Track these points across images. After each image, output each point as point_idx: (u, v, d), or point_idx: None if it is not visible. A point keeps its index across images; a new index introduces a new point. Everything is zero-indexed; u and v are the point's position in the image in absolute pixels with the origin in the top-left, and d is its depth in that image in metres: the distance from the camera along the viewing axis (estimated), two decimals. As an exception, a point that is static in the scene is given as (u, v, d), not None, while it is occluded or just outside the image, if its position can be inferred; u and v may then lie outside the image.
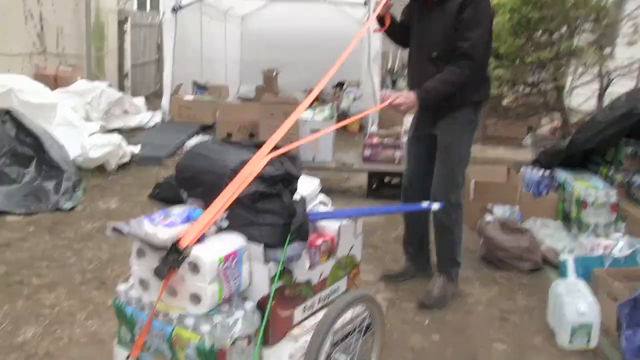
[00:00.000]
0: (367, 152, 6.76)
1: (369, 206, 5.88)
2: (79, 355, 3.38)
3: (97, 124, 8.07)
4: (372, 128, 8.48)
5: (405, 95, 3.78)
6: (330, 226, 3.08)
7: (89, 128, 7.41)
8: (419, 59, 3.99)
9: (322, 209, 3.27)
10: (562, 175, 5.72)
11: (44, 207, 5.63)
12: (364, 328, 3.03)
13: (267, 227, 2.53)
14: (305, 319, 2.91)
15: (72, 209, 5.75)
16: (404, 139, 6.72)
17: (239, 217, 2.53)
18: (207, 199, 2.53)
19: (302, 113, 6.80)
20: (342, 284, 3.16)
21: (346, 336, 2.92)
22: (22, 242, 4.92)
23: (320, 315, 2.83)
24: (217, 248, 2.41)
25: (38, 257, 4.63)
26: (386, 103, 3.74)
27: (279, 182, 2.56)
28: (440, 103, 3.84)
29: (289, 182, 2.61)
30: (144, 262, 2.47)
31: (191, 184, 2.64)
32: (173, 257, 2.30)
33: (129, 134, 8.95)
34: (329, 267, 3.00)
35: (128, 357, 2.55)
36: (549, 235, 4.99)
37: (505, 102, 7.06)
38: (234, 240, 2.50)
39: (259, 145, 2.69)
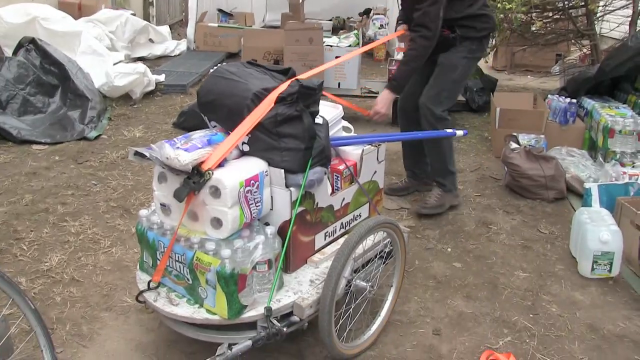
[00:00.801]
0: (393, 78, 6.66)
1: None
2: (104, 281, 3.45)
3: (122, 53, 8.04)
4: (398, 55, 8.32)
5: (379, 100, 4.08)
6: (352, 151, 3.07)
7: (114, 57, 7.38)
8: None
9: (344, 135, 3.25)
10: (589, 103, 5.60)
11: (69, 136, 5.67)
12: (385, 255, 3.06)
13: (288, 152, 2.52)
14: (327, 244, 2.94)
15: (97, 137, 5.79)
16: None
17: (261, 142, 2.52)
18: (228, 124, 2.52)
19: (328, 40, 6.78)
20: (364, 210, 3.17)
21: (367, 263, 2.94)
22: (47, 171, 4.97)
23: (342, 241, 2.86)
24: (238, 172, 2.41)
25: (63, 186, 4.69)
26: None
27: (298, 101, 2.52)
28: (437, 48, 3.99)
29: (308, 98, 2.56)
30: (165, 186, 2.49)
31: (213, 107, 2.62)
32: (194, 179, 2.31)
33: (153, 62, 8.92)
34: (351, 192, 3.00)
35: (150, 282, 2.59)
36: (574, 163, 4.92)
37: (533, 28, 6.85)
38: (256, 165, 2.50)
39: (284, 71, 2.66)
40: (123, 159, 5.23)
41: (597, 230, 3.56)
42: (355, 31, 7.76)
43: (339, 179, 2.96)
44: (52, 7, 7.32)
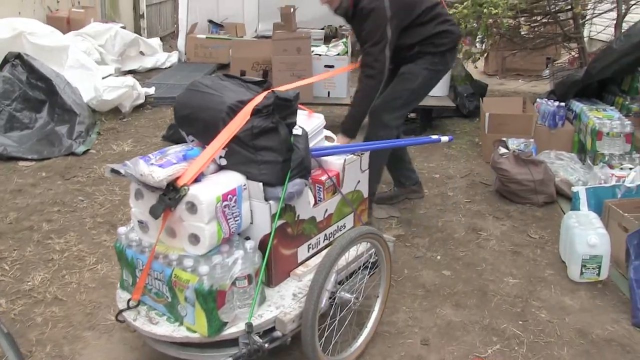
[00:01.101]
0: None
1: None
2: (88, 299, 3.41)
3: (112, 66, 8.02)
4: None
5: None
6: (335, 161, 3.04)
7: (104, 70, 7.37)
8: None
9: (327, 144, 3.23)
10: (577, 106, 5.60)
11: (56, 152, 5.64)
12: (371, 265, 3.02)
13: (266, 165, 2.49)
14: (311, 257, 2.91)
15: (85, 152, 5.76)
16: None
17: (238, 155, 2.49)
18: (205, 137, 2.50)
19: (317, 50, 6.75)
20: (349, 221, 3.14)
21: (352, 274, 2.91)
22: (33, 188, 4.94)
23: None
24: (214, 187, 2.38)
25: (49, 202, 4.65)
26: None
27: (274, 112, 2.49)
28: (399, 60, 4.05)
29: (284, 109, 2.53)
30: (142, 203, 2.46)
31: (189, 121, 2.59)
32: (170, 196, 2.28)
33: (144, 75, 8.91)
34: (334, 203, 2.97)
35: (129, 300, 2.55)
36: (563, 167, 4.91)
37: (522, 32, 6.83)
38: (233, 179, 2.47)
39: (260, 83, 2.64)
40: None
41: (584, 234, 3.54)
42: (345, 39, 7.74)
43: (321, 189, 2.93)
44: (39, 22, 7.30)
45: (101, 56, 7.94)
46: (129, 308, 2.56)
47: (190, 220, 2.33)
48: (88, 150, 5.80)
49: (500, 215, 4.53)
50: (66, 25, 8.74)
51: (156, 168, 2.25)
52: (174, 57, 9.66)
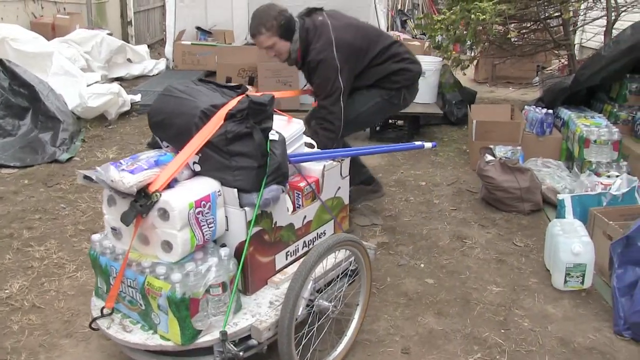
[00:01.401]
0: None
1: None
2: (66, 306, 3.36)
3: (99, 74, 7.95)
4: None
5: None
6: (314, 168, 3.01)
7: (90, 77, 7.29)
8: None
9: (307, 151, 3.19)
10: (565, 113, 5.58)
11: (40, 159, 5.59)
12: (350, 273, 2.98)
13: (240, 171, 2.45)
14: (289, 264, 2.87)
15: (69, 160, 5.71)
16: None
17: (212, 161, 2.45)
18: (178, 143, 2.46)
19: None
20: (328, 228, 3.10)
21: (331, 282, 2.87)
22: (15, 196, 4.88)
23: (304, 260, 2.79)
24: (187, 193, 2.34)
25: (31, 210, 4.60)
26: None
27: (248, 117, 2.44)
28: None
29: (259, 114, 2.48)
30: (114, 210, 2.42)
31: (163, 127, 2.56)
32: (141, 202, 2.24)
33: (131, 82, 8.86)
34: (313, 210, 2.94)
35: (103, 308, 2.51)
36: (550, 174, 4.88)
37: (512, 38, 6.81)
38: (207, 185, 2.43)
39: (235, 88, 2.60)
40: (94, 181, 5.13)
41: (569, 242, 3.51)
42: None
43: (300, 196, 2.89)
44: (22, 28, 7.22)
45: (87, 63, 7.88)
46: (102, 316, 2.51)
47: (162, 227, 2.29)
48: (72, 157, 5.74)
49: (486, 223, 4.50)
50: (51, 31, 8.68)
51: (127, 174, 2.21)
52: (161, 65, 9.61)
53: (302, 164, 3.00)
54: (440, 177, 5.44)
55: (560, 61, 7.58)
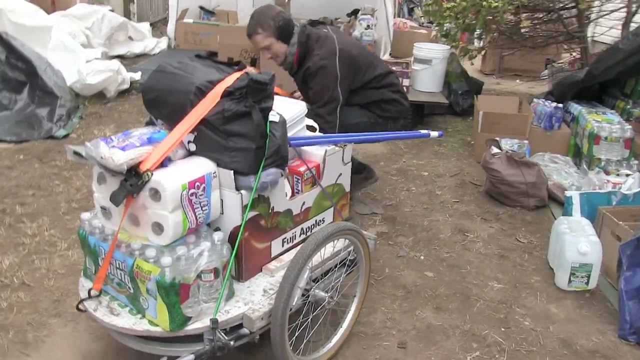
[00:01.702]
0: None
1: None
2: (56, 285, 3.26)
3: (99, 50, 7.80)
4: (385, 56, 8.16)
5: None
6: (315, 152, 2.90)
7: (90, 54, 7.14)
8: None
9: (308, 134, 3.08)
10: (576, 108, 5.43)
11: (36, 135, 5.47)
12: (348, 263, 2.88)
13: (237, 152, 2.34)
14: (286, 251, 2.76)
15: (65, 136, 5.59)
16: (415, 66, 6.47)
17: (208, 141, 2.34)
18: (173, 121, 2.34)
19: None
20: (328, 215, 3.00)
21: (328, 272, 2.77)
22: (9, 171, 4.77)
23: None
24: (181, 173, 2.23)
25: (24, 186, 4.49)
26: None
27: (247, 96, 2.32)
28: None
29: (259, 93, 2.36)
30: (104, 188, 2.30)
31: (157, 105, 2.44)
32: (131, 181, 2.13)
33: (132, 60, 8.70)
34: (312, 196, 2.83)
35: (90, 290, 2.41)
36: (557, 170, 4.76)
37: (522, 29, 6.65)
38: (202, 165, 2.32)
39: (232, 64, 2.48)
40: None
41: (576, 241, 3.40)
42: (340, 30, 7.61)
43: (300, 181, 2.78)
44: (21, 0, 7.06)
45: (87, 39, 7.72)
46: (89, 297, 2.41)
47: (153, 208, 2.18)
48: (69, 134, 5.62)
49: (489, 217, 4.39)
50: (51, 5, 8.51)
51: (117, 151, 2.09)
52: (163, 43, 9.44)
53: (302, 147, 2.89)
54: (443, 168, 5.32)
55: (571, 54, 7.40)
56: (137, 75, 7.13)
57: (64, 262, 3.49)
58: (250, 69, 2.77)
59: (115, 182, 2.20)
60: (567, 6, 6.61)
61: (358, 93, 3.86)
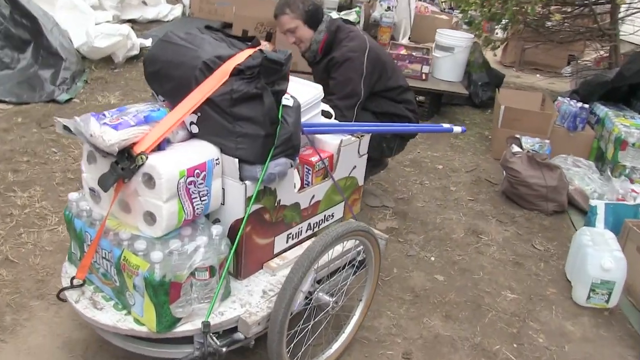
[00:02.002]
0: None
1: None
2: (41, 263, 3.06)
3: (110, 13, 7.49)
4: (404, 40, 7.88)
5: None
6: (329, 141, 2.67)
7: (100, 16, 6.84)
8: None
9: (323, 121, 2.84)
10: (602, 110, 5.16)
11: (37, 97, 5.20)
12: (357, 264, 2.66)
13: (244, 138, 2.10)
14: (290, 248, 2.54)
15: (68, 101, 5.32)
16: (436, 53, 6.19)
17: (212, 123, 2.09)
18: (175, 98, 2.09)
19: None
20: (338, 210, 2.77)
21: (334, 272, 2.55)
22: (5, 134, 4.53)
23: (307, 245, 2.47)
24: (180, 158, 1.99)
25: (19, 151, 4.25)
26: None
27: (259, 76, 2.07)
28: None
29: (272, 74, 2.11)
30: (94, 168, 2.07)
31: (159, 78, 2.18)
32: (122, 165, 1.89)
33: (144, 26, 8.41)
34: (323, 189, 2.60)
35: (73, 278, 2.19)
36: (579, 175, 4.50)
37: (549, 23, 6.33)
38: (204, 151, 2.08)
39: (247, 39, 2.23)
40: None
41: (599, 255, 3.18)
42: (357, 8, 7.32)
43: (310, 172, 2.55)
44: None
45: (99, 0, 7.44)
46: (72, 287, 2.20)
47: (146, 195, 1.95)
48: (71, 99, 5.36)
49: (505, 219, 4.16)
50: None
51: (109, 129, 1.85)
52: (177, 10, 9.13)
53: (316, 135, 2.66)
54: (459, 162, 5.08)
55: (599, 53, 7.08)
56: (148, 42, 6.84)
57: (53, 237, 3.28)
58: (264, 44, 2.53)
59: (106, 163, 1.97)
60: (599, 1, 6.30)
61: (376, 99, 3.65)
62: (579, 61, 7.85)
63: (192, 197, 2.00)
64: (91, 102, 5.40)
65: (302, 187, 2.52)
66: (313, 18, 3.54)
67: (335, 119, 3.03)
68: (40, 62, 5.46)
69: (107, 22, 6.78)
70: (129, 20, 8.02)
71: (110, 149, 1.86)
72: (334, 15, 6.61)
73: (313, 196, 2.55)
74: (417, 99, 6.20)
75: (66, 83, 5.43)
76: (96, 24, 6.28)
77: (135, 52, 6.55)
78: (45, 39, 5.46)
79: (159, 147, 1.97)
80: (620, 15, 6.37)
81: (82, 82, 5.71)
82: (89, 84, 5.82)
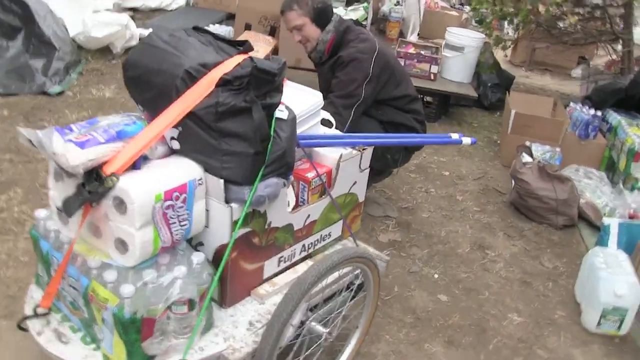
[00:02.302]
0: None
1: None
2: (14, 276, 2.85)
3: (110, 1, 7.27)
4: (412, 37, 7.65)
5: None
6: (328, 155, 2.44)
7: (100, 4, 6.58)
8: None
9: (322, 133, 2.62)
10: (615, 118, 4.93)
11: (26, 89, 4.96)
12: (354, 287, 2.44)
13: (231, 157, 1.86)
14: (281, 272, 2.32)
15: (60, 93, 5.08)
16: (445, 53, 5.96)
17: (195, 139, 1.86)
18: (155, 109, 1.85)
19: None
20: (335, 230, 2.55)
21: (329, 298, 2.34)
22: (-11, 128, 4.31)
23: (302, 268, 2.26)
24: (157, 179, 1.76)
25: (2, 148, 4.01)
26: None
27: (248, 87, 1.83)
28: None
29: (264, 85, 1.87)
30: (62, 186, 1.84)
31: (140, 85, 1.95)
32: (90, 187, 1.67)
33: (146, 15, 8.18)
34: (319, 208, 2.38)
35: (36, 307, 1.97)
36: (591, 187, 4.27)
37: (561, 24, 6.09)
38: (185, 170, 1.85)
39: (237, 43, 2.00)
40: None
41: (612, 279, 2.98)
42: (365, 4, 7.07)
43: (306, 190, 2.33)
44: None
45: (99, -13, 7.21)
46: (35, 315, 1.98)
47: (117, 221, 1.73)
48: (63, 91, 5.11)
49: (513, 233, 3.95)
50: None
51: (73, 147, 1.62)
52: (181, -1, 8.92)
53: (314, 148, 2.44)
54: (466, 169, 4.86)
55: (612, 56, 6.84)
56: (147, 32, 6.60)
57: (29, 247, 3.03)
58: (267, 39, 2.30)
59: (72, 184, 1.75)
60: (614, 4, 6.05)
61: (382, 107, 3.47)
62: (589, 64, 7.61)
63: (171, 222, 1.78)
64: (85, 95, 5.16)
65: (296, 206, 2.30)
66: (321, 16, 3.37)
67: (326, 109, 2.80)
68: (32, 50, 5.19)
69: (107, 10, 6.52)
70: (130, 9, 7.80)
71: (75, 170, 1.63)
72: (342, 10, 6.39)
73: (308, 216, 2.34)
74: (424, 99, 6.03)
75: (59, 74, 5.19)
76: (95, 12, 6.03)
77: (135, 42, 6.29)
78: (37, 26, 5.18)
79: (134, 166, 1.74)
80: (635, 17, 6.13)
81: (76, 73, 5.48)
82: (84, 76, 5.57)
